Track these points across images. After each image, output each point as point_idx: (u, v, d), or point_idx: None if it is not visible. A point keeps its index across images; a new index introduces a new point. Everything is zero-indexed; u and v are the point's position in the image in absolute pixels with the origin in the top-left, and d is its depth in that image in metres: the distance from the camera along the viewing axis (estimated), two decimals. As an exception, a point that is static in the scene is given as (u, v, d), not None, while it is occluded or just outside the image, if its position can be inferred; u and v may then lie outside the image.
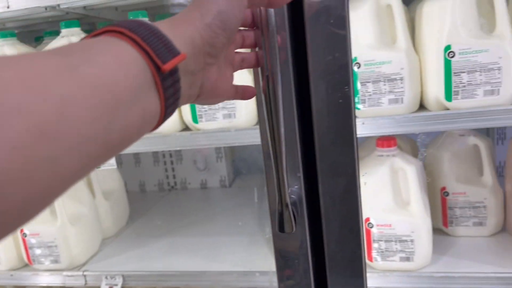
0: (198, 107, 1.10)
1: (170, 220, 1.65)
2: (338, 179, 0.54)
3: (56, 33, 1.48)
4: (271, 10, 0.46)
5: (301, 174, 0.56)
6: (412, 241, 1.06)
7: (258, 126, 1.09)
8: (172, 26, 0.41)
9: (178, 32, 0.41)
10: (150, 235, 1.53)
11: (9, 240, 1.35)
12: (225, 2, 0.43)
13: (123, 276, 1.27)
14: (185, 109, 1.13)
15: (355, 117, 0.54)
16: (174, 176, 2.02)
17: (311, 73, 0.51)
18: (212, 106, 1.10)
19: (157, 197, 1.96)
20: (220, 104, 1.09)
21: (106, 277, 1.28)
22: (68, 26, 1.21)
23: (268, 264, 1.21)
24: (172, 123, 1.16)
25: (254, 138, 1.09)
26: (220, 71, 0.48)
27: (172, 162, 2.01)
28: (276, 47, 0.47)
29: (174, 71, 0.38)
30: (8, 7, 1.14)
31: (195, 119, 1.12)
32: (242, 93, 0.53)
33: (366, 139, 1.31)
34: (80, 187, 1.39)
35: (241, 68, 0.52)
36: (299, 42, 0.53)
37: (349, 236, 0.56)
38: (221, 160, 1.95)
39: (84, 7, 1.37)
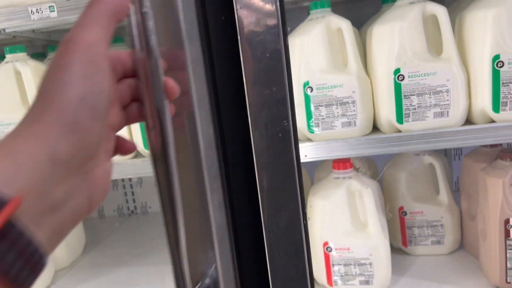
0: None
1: (129, 248, 1.59)
2: (281, 215, 0.52)
3: (2, 57, 1.42)
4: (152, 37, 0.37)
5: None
6: (370, 264, 1.05)
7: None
8: (11, 151, 0.29)
9: (21, 157, 0.29)
10: (107, 264, 1.47)
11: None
12: (83, 82, 0.32)
13: (75, 312, 1.20)
14: (138, 136, 1.10)
15: (298, 149, 0.52)
16: (134, 200, 1.96)
17: (249, 108, 0.50)
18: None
19: (116, 222, 1.89)
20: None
21: (57, 314, 1.21)
22: (13, 51, 1.15)
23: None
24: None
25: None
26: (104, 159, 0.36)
27: (131, 186, 1.95)
28: (161, 90, 0.37)
29: (8, 229, 0.26)
30: None
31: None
32: (119, 150, 0.41)
33: (324, 160, 1.30)
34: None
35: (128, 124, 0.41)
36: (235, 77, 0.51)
37: (295, 273, 0.54)
38: (183, 182, 1.91)
39: (33, 31, 1.33)
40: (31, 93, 1.12)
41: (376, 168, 1.37)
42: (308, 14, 1.06)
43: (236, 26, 0.51)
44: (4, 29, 1.16)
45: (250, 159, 0.52)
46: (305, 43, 0.99)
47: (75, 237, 1.54)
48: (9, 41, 1.47)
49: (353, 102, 0.98)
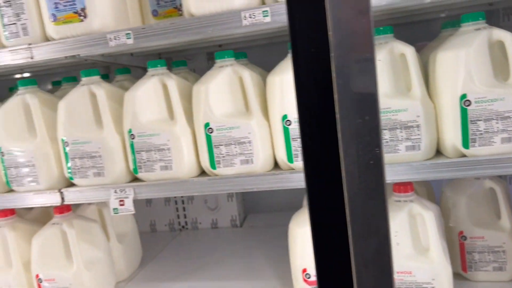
0: (216, 152, 1.12)
1: (182, 262, 1.64)
2: (370, 240, 0.55)
3: (74, 79, 1.53)
4: None
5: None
6: (433, 288, 1.05)
7: (274, 172, 1.11)
8: None
9: None
10: (164, 278, 1.51)
11: (22, 282, 1.33)
12: None
13: (137, 323, 1.25)
14: (203, 154, 1.15)
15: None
16: (185, 216, 2.02)
17: (341, 137, 0.53)
18: (230, 152, 1.11)
19: (168, 237, 1.95)
20: (238, 150, 1.11)
21: (121, 325, 1.26)
22: (88, 74, 1.24)
23: (286, 311, 1.19)
24: (188, 168, 1.17)
25: (271, 184, 1.11)
26: None
27: (183, 202, 2.01)
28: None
29: None
30: (32, 58, 1.18)
31: (212, 165, 1.13)
32: None
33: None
34: (95, 230, 1.39)
35: None
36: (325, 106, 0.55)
37: (381, 296, 0.56)
38: (232, 199, 1.95)
39: (102, 55, 1.42)
40: (105, 113, 1.20)
41: (433, 192, 1.37)
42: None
43: (329, 57, 0.54)
44: (79, 54, 1.25)
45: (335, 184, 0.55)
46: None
47: (133, 250, 1.60)
48: (80, 64, 1.57)
49: (418, 126, 0.99)
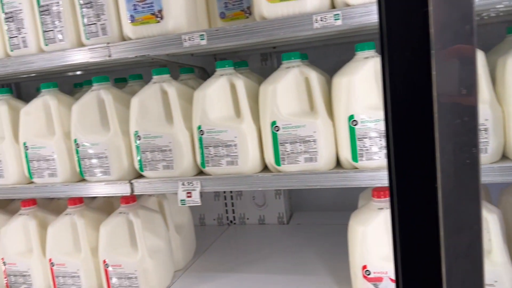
0: (281, 149, 1.17)
1: (234, 256, 1.69)
2: (462, 236, 0.58)
3: (139, 76, 1.61)
4: None
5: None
6: (496, 290, 1.06)
7: (338, 170, 1.14)
8: None
9: None
10: (217, 270, 1.58)
11: (90, 267, 1.42)
12: None
13: (198, 310, 1.31)
14: (268, 151, 1.19)
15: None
16: (233, 211, 2.08)
17: (438, 137, 0.56)
18: (295, 150, 1.16)
19: (217, 231, 2.02)
20: (303, 148, 1.15)
21: (182, 311, 1.32)
22: (159, 73, 1.31)
23: (343, 306, 1.23)
24: (253, 164, 1.22)
25: (335, 182, 1.14)
26: None
27: (232, 198, 2.07)
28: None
29: None
30: (109, 56, 1.26)
31: (277, 162, 1.18)
32: None
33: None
34: (158, 221, 1.46)
35: None
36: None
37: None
38: (279, 197, 2.00)
39: (167, 54, 1.49)
40: (176, 110, 1.27)
41: (489, 196, 1.37)
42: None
43: (426, 57, 0.58)
44: (148, 54, 1.32)
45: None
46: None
47: (189, 241, 1.68)
48: (145, 63, 1.65)
49: (486, 129, 1.01)
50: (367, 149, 1.10)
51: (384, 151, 1.09)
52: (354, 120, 1.09)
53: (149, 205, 1.56)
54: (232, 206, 2.08)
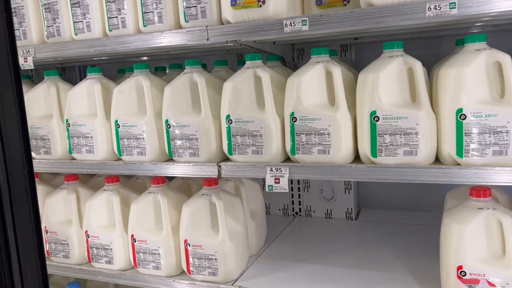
0: (379, 141, 1.14)
1: (304, 247, 1.68)
2: None
3: (225, 62, 1.62)
4: None
5: None
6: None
7: (441, 165, 1.10)
8: None
9: None
10: (290, 259, 1.57)
11: (170, 246, 1.45)
12: None
13: (278, 297, 1.31)
14: (364, 142, 1.17)
15: None
16: (299, 203, 2.07)
17: None
18: (394, 141, 1.13)
19: (282, 221, 2.01)
20: (403, 140, 1.12)
21: (261, 296, 1.33)
22: (252, 58, 1.31)
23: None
24: (345, 154, 1.20)
25: (435, 177, 1.11)
26: None
27: (299, 189, 2.06)
28: None
29: None
30: (207, 40, 1.28)
31: (374, 153, 1.15)
32: None
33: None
34: (237, 205, 1.47)
35: None
36: None
37: None
38: (349, 192, 1.97)
39: (255, 41, 1.49)
40: (268, 96, 1.27)
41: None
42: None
43: None
44: (240, 39, 1.32)
45: None
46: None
47: (262, 228, 1.68)
48: (232, 48, 1.66)
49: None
50: (474, 145, 1.05)
51: (494, 148, 1.04)
52: (463, 114, 1.05)
53: (226, 189, 1.58)
54: (299, 197, 2.07)
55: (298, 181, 2.06)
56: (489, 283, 1.08)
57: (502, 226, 1.07)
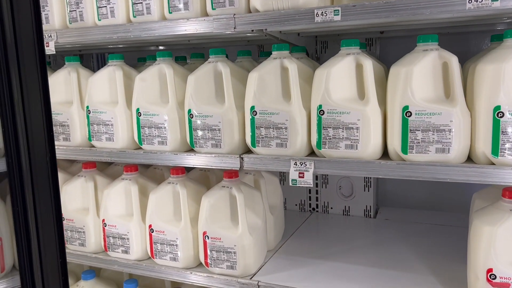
0: (411, 137, 1.10)
1: (322, 243, 1.65)
2: None
3: (248, 53, 1.59)
4: None
5: None
6: None
7: (474, 164, 1.06)
8: None
9: None
10: (308, 255, 1.54)
11: (189, 237, 1.43)
12: None
13: (298, 293, 1.29)
14: (394, 138, 1.14)
15: None
16: (317, 199, 2.04)
17: None
18: (426, 138, 1.09)
19: (299, 217, 1.98)
20: (436, 137, 1.08)
21: (280, 292, 1.31)
22: (279, 49, 1.28)
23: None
24: (373, 150, 1.17)
25: (468, 176, 1.07)
26: None
27: (316, 185, 2.02)
28: None
29: None
30: (234, 28, 1.25)
31: (404, 149, 1.12)
32: None
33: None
34: (257, 199, 1.45)
35: None
36: None
37: None
38: (368, 189, 1.93)
39: (280, 32, 1.45)
40: (295, 87, 1.23)
41: None
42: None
43: None
44: (266, 29, 1.29)
45: None
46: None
47: (280, 223, 1.66)
48: (258, 39, 1.63)
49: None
50: (511, 144, 1.01)
51: (533, 148, 1.00)
52: (500, 112, 1.01)
53: (246, 182, 1.55)
54: (316, 193, 2.03)
55: (317, 176, 2.02)
56: (521, 287, 1.04)
57: (536, 229, 1.03)
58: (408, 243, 1.62)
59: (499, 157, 1.03)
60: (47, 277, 1.13)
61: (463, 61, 1.29)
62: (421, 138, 1.09)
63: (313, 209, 2.05)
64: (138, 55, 1.99)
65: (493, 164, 1.06)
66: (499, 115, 1.01)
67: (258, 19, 1.22)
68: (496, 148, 1.03)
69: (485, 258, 1.08)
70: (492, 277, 1.07)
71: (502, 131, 1.01)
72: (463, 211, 1.72)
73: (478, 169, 1.05)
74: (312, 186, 1.21)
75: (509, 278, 1.05)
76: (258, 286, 1.34)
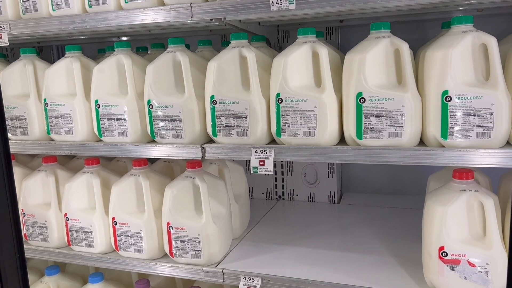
0: (365, 122, 1.13)
1: (287, 229, 1.68)
2: None
3: (209, 42, 1.59)
4: None
5: None
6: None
7: (425, 147, 1.11)
8: None
9: None
10: (273, 242, 1.57)
11: (152, 228, 1.43)
12: None
13: (261, 278, 1.31)
14: (350, 123, 1.16)
15: None
16: (282, 187, 2.06)
17: None
18: (380, 123, 1.12)
19: (266, 205, 2.01)
20: (388, 122, 1.11)
21: (245, 278, 1.33)
22: (238, 38, 1.29)
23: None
24: (330, 136, 1.20)
25: (420, 159, 1.11)
26: None
27: (282, 173, 2.05)
28: None
29: None
30: (191, 17, 1.24)
31: (359, 135, 1.15)
32: None
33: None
34: (221, 188, 1.46)
35: None
36: None
37: None
38: (332, 176, 1.97)
39: (240, 21, 1.46)
40: (254, 76, 1.24)
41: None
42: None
43: None
44: (224, 18, 1.29)
45: None
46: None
47: (246, 211, 1.67)
48: (215, 28, 1.62)
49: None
50: (459, 127, 1.06)
51: (478, 130, 1.04)
52: (448, 96, 1.05)
53: (210, 172, 1.56)
54: (282, 181, 2.06)
55: (282, 164, 2.05)
56: (470, 263, 1.10)
57: (484, 208, 1.09)
58: (370, 226, 1.68)
59: (448, 140, 1.08)
60: (5, 274, 1.11)
61: (419, 48, 1.34)
62: (375, 123, 1.13)
63: (279, 197, 2.08)
64: (100, 46, 1.95)
65: (443, 146, 1.10)
66: (447, 99, 1.05)
67: (215, 8, 1.22)
68: (445, 131, 1.07)
69: (437, 236, 1.13)
70: (444, 255, 1.12)
71: (450, 115, 1.06)
72: (423, 193, 1.78)
73: (429, 152, 1.10)
74: (272, 173, 1.23)
75: (459, 255, 1.11)
76: (223, 273, 1.36)
